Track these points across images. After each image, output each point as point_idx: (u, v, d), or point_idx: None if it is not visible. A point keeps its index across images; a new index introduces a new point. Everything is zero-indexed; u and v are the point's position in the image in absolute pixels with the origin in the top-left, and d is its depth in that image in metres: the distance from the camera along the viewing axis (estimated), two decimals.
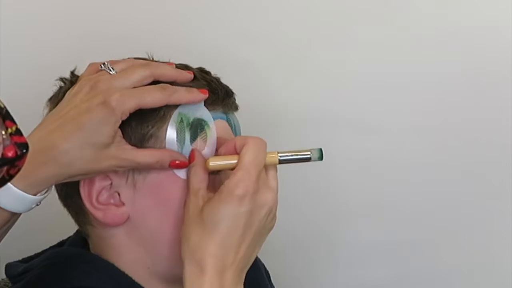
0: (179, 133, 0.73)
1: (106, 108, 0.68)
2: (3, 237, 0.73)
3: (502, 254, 1.16)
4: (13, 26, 1.05)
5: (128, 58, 0.77)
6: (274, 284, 0.91)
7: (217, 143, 0.75)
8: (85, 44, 1.07)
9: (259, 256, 0.79)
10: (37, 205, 0.70)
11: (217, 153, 0.75)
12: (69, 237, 0.84)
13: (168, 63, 0.77)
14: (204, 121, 0.75)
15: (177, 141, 0.73)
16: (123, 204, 0.74)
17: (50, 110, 0.76)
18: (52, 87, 0.79)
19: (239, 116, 0.81)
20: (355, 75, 1.11)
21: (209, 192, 0.71)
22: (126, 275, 0.75)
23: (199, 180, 0.72)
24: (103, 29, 1.08)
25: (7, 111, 0.44)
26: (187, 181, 0.73)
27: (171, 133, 0.73)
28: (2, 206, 0.68)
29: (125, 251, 0.75)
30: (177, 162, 0.72)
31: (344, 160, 1.13)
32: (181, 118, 0.74)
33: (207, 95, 0.75)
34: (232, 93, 0.79)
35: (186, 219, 0.70)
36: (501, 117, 1.12)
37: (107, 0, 1.10)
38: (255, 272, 0.81)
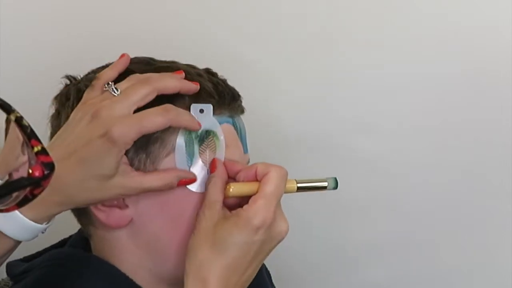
0: (188, 145, 0.73)
1: (107, 141, 0.67)
2: (1, 264, 0.74)
3: (502, 254, 1.16)
4: (13, 26, 1.05)
5: (133, 74, 0.74)
6: (275, 285, 0.91)
7: (225, 152, 0.74)
8: (85, 44, 1.07)
9: None
10: (42, 233, 0.71)
11: (230, 171, 0.74)
12: (70, 236, 0.84)
13: (178, 72, 0.74)
14: (213, 131, 0.74)
15: (186, 153, 0.73)
16: (127, 206, 0.73)
17: (56, 109, 0.76)
18: (52, 87, 0.78)
19: None
20: (355, 75, 1.11)
21: (224, 207, 0.71)
22: (127, 277, 0.75)
23: (218, 192, 0.71)
24: (103, 29, 1.07)
25: (31, 130, 0.43)
26: (205, 191, 0.72)
27: (180, 145, 0.72)
28: (10, 235, 0.68)
29: (127, 253, 0.75)
30: (184, 180, 0.72)
31: (344, 160, 1.13)
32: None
33: (198, 88, 0.73)
34: (239, 96, 0.78)
35: (197, 230, 0.70)
36: (501, 117, 1.12)
37: (107, 0, 1.09)
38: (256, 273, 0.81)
